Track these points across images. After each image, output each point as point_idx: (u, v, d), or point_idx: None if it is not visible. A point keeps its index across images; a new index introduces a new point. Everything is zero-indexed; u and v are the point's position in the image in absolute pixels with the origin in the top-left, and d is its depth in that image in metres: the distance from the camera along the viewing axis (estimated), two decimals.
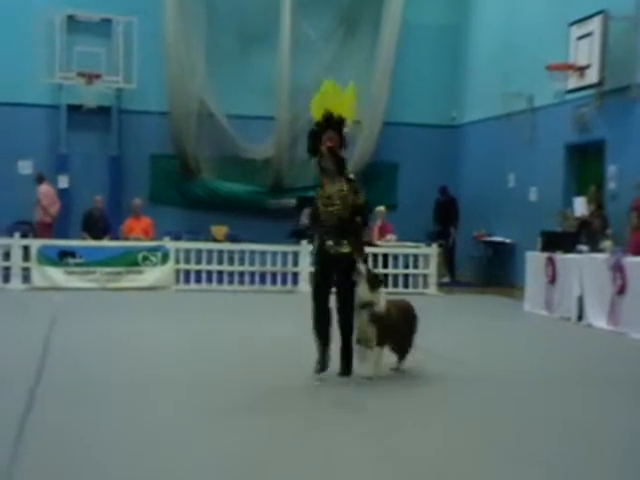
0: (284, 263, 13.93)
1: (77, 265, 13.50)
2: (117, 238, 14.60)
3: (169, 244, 13.99)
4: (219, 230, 16.04)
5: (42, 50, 15.85)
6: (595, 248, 11.04)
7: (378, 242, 14.93)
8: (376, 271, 7.91)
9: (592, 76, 12.38)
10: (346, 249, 6.68)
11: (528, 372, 7.49)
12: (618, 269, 10.05)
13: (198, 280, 13.95)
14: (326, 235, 6.73)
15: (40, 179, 15.47)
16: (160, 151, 16.82)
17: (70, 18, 16.25)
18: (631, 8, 11.95)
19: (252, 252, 14.16)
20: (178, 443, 4.89)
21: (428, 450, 4.92)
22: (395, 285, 14.19)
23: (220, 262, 14.07)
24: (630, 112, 12.09)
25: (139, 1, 16.17)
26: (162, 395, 6.16)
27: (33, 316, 10.26)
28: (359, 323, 6.69)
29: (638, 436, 5.43)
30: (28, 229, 15.14)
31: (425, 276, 14.48)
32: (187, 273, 13.98)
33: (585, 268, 10.80)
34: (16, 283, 13.30)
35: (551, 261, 11.55)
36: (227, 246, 14.48)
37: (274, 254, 14.09)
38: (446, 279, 15.59)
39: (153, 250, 13.88)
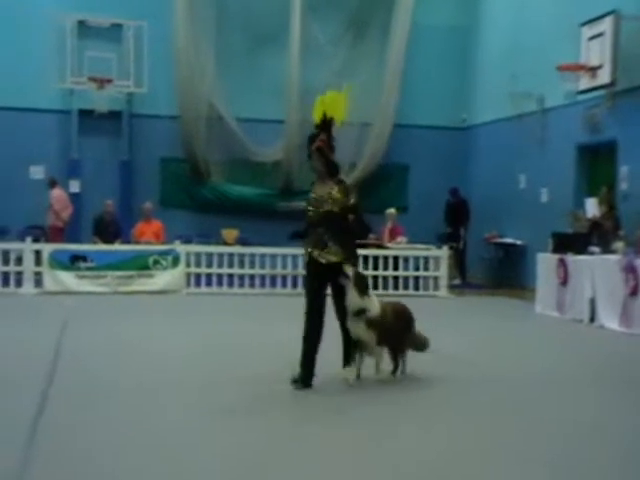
0: (294, 266, 13.92)
1: (88, 269, 13.55)
2: (128, 242, 14.62)
3: (180, 248, 14.02)
4: (229, 233, 16.10)
5: (53, 55, 15.92)
6: (607, 249, 10.98)
7: (389, 244, 14.92)
8: (364, 273, 7.72)
9: (604, 77, 12.33)
10: (336, 257, 6.46)
11: (539, 373, 7.45)
12: (630, 270, 9.99)
13: (209, 283, 13.99)
14: (313, 244, 6.51)
15: (53, 183, 15.54)
16: (170, 155, 16.88)
17: (81, 23, 16.35)
18: None
19: (262, 255, 14.18)
20: (186, 446, 4.89)
21: (431, 453, 4.89)
22: (406, 287, 14.18)
23: (231, 265, 14.10)
24: None
25: (149, 5, 16.23)
26: (171, 398, 6.16)
27: (45, 320, 10.32)
28: (355, 332, 6.55)
29: None
30: (40, 234, 15.19)
31: (436, 278, 14.44)
32: (198, 276, 14.01)
33: (597, 269, 10.74)
34: (28, 287, 13.36)
35: (563, 263, 11.50)
36: (237, 249, 14.54)
37: (284, 257, 14.09)
38: (457, 281, 15.55)
39: (164, 254, 13.91)
